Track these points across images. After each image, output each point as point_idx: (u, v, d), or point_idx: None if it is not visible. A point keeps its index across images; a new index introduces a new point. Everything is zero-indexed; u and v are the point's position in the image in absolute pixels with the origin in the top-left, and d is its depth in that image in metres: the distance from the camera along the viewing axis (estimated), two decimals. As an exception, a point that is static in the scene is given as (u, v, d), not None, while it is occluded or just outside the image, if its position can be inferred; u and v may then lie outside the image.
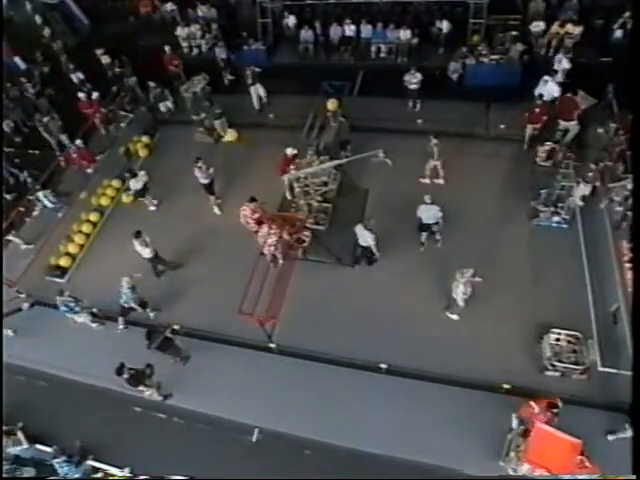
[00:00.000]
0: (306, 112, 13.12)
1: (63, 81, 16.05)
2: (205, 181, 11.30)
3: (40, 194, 11.79)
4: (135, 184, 11.50)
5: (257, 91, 13.91)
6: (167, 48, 14.81)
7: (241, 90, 14.49)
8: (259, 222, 9.61)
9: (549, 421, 6.81)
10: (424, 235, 10.03)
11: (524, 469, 6.74)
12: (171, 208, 11.91)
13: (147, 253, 9.88)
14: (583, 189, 9.64)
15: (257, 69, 13.72)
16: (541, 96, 11.48)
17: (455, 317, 9.00)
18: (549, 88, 11.70)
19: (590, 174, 9.65)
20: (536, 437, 6.68)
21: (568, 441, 6.56)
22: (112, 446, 8.36)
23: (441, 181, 11.33)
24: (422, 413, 7.95)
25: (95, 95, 13.80)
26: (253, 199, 9.64)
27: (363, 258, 10.08)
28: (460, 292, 8.42)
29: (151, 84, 14.09)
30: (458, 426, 7.67)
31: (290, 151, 10.81)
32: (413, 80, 12.68)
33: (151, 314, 9.77)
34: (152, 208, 12.09)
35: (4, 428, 8.35)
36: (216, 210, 11.68)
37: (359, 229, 9.45)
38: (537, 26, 13.82)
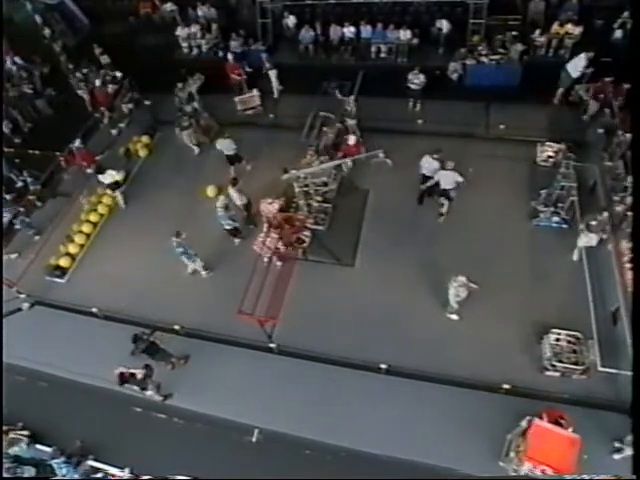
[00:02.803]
0: (306, 112, 13.14)
1: (63, 81, 16.09)
2: (230, 152, 11.73)
3: (17, 221, 11.77)
4: (104, 178, 11.78)
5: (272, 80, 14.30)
6: (230, 56, 14.30)
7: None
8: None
9: None
10: (445, 205, 10.29)
11: (525, 469, 6.73)
12: (171, 208, 11.89)
13: (241, 201, 10.45)
14: (586, 239, 9.04)
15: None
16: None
17: (455, 317, 9.00)
18: (576, 63, 11.75)
19: (594, 222, 8.96)
20: (535, 435, 6.68)
21: (566, 437, 6.56)
22: (112, 446, 8.35)
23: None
24: (422, 413, 7.95)
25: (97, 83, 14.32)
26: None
27: (428, 195, 10.57)
28: (452, 294, 8.52)
29: (179, 85, 14.03)
30: (458, 426, 7.67)
31: (353, 139, 10.96)
32: (415, 80, 12.68)
33: (236, 241, 10.72)
34: (121, 205, 12.28)
35: (4, 428, 8.35)
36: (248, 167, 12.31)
37: (426, 159, 10.08)
38: (538, 36, 13.79)
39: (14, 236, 11.95)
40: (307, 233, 10.27)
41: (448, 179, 9.79)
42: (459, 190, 10.07)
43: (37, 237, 11.82)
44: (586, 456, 6.55)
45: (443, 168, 9.88)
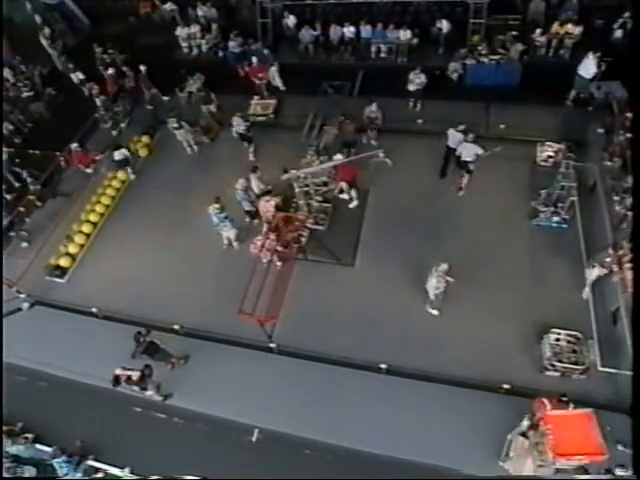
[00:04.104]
0: (306, 112, 13.15)
1: (63, 81, 16.12)
2: (240, 130, 12.18)
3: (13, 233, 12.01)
4: (116, 155, 12.43)
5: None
6: (254, 59, 13.90)
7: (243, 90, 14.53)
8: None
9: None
10: (465, 178, 10.79)
11: (553, 463, 6.47)
12: (171, 208, 11.90)
13: (261, 188, 10.65)
14: (597, 272, 8.67)
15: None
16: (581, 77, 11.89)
17: (435, 312, 9.02)
18: (587, 65, 11.76)
19: (608, 259, 8.51)
20: (553, 427, 6.44)
21: (580, 415, 6.44)
22: (112, 446, 8.35)
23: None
24: (422, 413, 7.95)
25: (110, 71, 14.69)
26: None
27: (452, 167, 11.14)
28: (432, 286, 8.50)
29: (192, 81, 14.24)
30: (458, 426, 7.67)
31: (339, 157, 10.81)
32: (416, 80, 12.65)
33: (247, 219, 10.90)
34: (132, 177, 12.87)
35: (4, 428, 8.35)
36: (251, 157, 12.60)
37: (450, 132, 10.76)
38: (538, 36, 13.76)
39: (12, 241, 11.97)
40: (304, 233, 10.23)
41: (469, 151, 10.21)
42: (477, 163, 10.45)
43: (25, 244, 11.82)
44: (609, 427, 6.46)
45: (466, 140, 10.30)
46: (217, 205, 10.01)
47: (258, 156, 12.70)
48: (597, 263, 8.61)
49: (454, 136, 10.73)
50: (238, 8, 17.09)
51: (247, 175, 10.67)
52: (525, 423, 6.97)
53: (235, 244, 10.74)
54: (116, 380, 7.83)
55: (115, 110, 14.58)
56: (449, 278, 8.40)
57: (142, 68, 14.33)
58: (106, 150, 13.69)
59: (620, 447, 7.08)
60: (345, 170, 10.65)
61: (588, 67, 11.82)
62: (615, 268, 8.58)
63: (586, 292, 8.90)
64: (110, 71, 14.56)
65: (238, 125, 12.19)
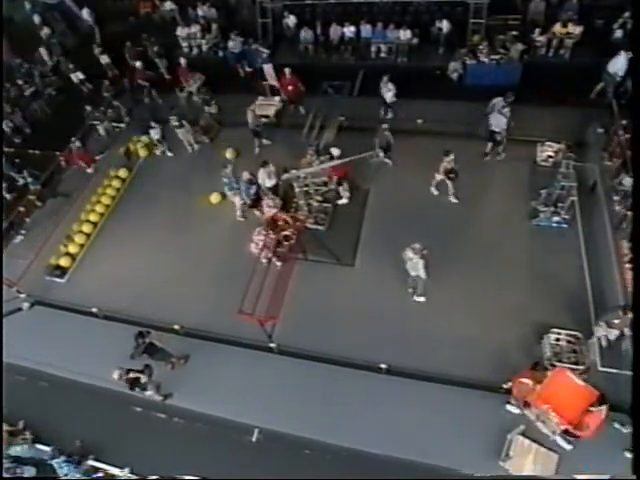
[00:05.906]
0: (306, 112, 13.15)
1: (63, 81, 16.13)
2: (253, 127, 12.44)
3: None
4: (154, 134, 13.12)
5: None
6: (287, 70, 13.13)
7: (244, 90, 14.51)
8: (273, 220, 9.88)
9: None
10: (489, 145, 11.22)
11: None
12: (171, 208, 11.91)
13: (269, 183, 10.83)
14: (605, 333, 8.05)
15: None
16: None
17: (423, 299, 9.14)
18: (617, 62, 11.69)
19: (617, 321, 7.74)
20: (551, 405, 6.72)
21: (558, 375, 6.80)
22: (112, 446, 8.36)
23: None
24: (422, 413, 7.94)
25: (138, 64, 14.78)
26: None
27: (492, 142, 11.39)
28: (422, 267, 8.58)
29: (192, 81, 14.49)
30: (458, 426, 7.67)
31: (336, 152, 11.05)
32: (388, 93, 12.42)
33: (257, 212, 11.09)
34: (169, 154, 13.41)
35: (5, 428, 8.35)
36: (257, 151, 12.89)
37: (497, 99, 11.11)
38: (538, 35, 13.74)
39: (12, 239, 12.02)
40: (294, 231, 10.18)
41: (498, 121, 10.77)
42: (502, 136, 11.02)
43: (19, 237, 11.99)
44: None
45: (500, 112, 10.80)
46: (227, 170, 10.75)
47: (258, 156, 12.70)
48: (604, 323, 7.95)
49: (498, 102, 11.08)
50: (238, 8, 17.08)
51: (251, 170, 10.78)
52: (513, 409, 6.98)
53: (238, 213, 11.22)
54: (132, 386, 7.90)
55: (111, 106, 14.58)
56: (425, 251, 8.56)
57: (182, 61, 14.51)
58: (105, 150, 13.75)
59: (627, 455, 7.04)
60: (337, 169, 10.68)
61: (618, 64, 11.75)
62: (627, 331, 7.79)
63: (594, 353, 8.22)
64: (139, 63, 14.69)
65: (249, 118, 12.31)
